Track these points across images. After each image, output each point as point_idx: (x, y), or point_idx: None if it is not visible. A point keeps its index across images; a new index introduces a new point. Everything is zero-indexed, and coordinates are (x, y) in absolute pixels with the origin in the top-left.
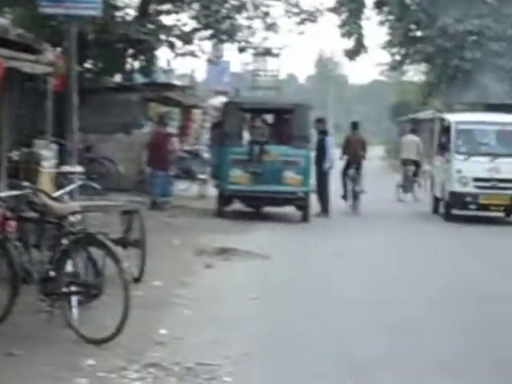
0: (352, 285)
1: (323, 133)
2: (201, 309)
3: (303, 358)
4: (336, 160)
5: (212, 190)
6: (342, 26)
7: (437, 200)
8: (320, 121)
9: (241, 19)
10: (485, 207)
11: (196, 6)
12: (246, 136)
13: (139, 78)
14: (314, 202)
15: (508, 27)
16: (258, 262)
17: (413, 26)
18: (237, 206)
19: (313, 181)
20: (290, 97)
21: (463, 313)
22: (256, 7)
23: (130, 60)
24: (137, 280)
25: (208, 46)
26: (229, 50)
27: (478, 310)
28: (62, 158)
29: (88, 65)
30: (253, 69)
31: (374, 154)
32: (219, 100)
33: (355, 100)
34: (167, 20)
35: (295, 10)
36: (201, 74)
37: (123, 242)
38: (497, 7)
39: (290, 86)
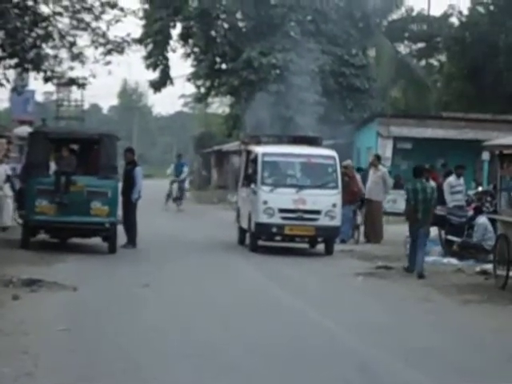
0: (159, 314)
1: (132, 163)
2: (9, 341)
3: None
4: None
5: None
6: (147, 57)
7: (243, 231)
8: (129, 151)
9: (47, 48)
10: (290, 238)
11: (1, 33)
12: (53, 166)
13: None
14: (121, 232)
15: (311, 62)
16: (66, 293)
17: (218, 59)
18: (43, 236)
19: (120, 212)
20: (94, 127)
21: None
22: (62, 37)
23: None
24: None
25: (13, 74)
26: (34, 79)
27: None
28: None
29: None
30: (56, 98)
31: None
32: (24, 129)
33: (160, 131)
34: None
35: (102, 40)
36: (4, 103)
37: None
38: (300, 42)
39: (94, 116)
